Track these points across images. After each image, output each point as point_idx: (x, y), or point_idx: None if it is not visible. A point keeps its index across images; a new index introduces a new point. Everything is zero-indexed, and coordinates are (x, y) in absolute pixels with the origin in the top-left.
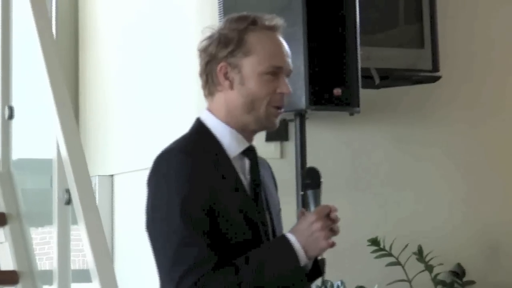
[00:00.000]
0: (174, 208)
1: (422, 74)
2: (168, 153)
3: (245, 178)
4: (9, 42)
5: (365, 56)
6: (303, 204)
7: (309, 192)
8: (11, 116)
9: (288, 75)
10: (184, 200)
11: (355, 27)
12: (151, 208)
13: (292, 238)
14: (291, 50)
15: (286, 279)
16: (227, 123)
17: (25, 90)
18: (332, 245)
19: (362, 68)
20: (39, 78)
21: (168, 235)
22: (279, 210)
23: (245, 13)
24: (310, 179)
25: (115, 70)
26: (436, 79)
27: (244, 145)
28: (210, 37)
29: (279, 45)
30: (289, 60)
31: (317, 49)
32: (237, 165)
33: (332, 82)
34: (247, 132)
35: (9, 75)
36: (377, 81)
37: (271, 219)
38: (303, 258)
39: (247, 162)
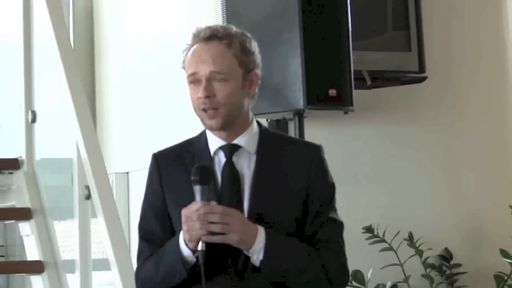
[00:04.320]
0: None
1: (409, 75)
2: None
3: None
4: (31, 53)
5: (357, 59)
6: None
7: (196, 188)
8: (34, 120)
9: (213, 78)
10: (144, 201)
11: (348, 32)
12: None
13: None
14: (288, 54)
15: (173, 269)
16: None
17: (48, 96)
18: (198, 237)
19: (354, 70)
20: (60, 84)
21: None
22: (290, 200)
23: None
24: (198, 176)
25: (130, 71)
26: (422, 79)
27: (218, 143)
28: None
29: (193, 54)
30: (207, 64)
31: (313, 53)
32: (219, 162)
33: (328, 83)
34: (214, 132)
35: (31, 82)
36: (368, 82)
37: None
38: (184, 249)
39: (223, 159)
